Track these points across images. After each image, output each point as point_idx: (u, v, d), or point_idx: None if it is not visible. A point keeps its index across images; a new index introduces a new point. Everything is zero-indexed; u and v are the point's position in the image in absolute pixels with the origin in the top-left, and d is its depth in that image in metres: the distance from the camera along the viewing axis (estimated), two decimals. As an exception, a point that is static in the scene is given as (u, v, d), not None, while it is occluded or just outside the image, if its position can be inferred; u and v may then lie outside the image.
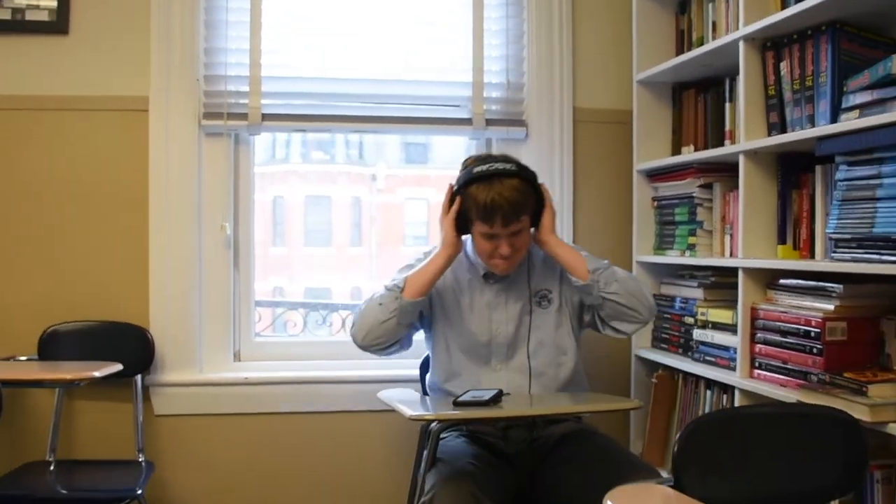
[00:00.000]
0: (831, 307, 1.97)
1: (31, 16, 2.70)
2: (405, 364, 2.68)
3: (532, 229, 2.26)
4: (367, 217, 4.89)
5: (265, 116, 2.78)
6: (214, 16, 2.78)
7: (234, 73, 2.79)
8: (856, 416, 1.68)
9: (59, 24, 2.71)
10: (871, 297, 1.94)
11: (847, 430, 1.46)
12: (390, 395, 2.21)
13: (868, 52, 2.03)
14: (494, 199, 2.12)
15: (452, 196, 2.23)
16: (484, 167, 2.15)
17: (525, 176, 2.18)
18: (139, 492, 2.32)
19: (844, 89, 1.98)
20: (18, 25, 2.70)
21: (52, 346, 2.60)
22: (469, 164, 2.23)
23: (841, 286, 1.96)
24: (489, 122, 2.92)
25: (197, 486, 2.76)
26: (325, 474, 2.83)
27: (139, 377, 2.65)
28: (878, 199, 1.82)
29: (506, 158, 2.21)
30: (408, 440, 2.50)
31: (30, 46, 2.71)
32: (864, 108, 1.88)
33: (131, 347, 2.63)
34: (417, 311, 2.25)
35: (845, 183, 1.94)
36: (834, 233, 1.96)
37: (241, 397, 2.78)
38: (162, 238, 2.73)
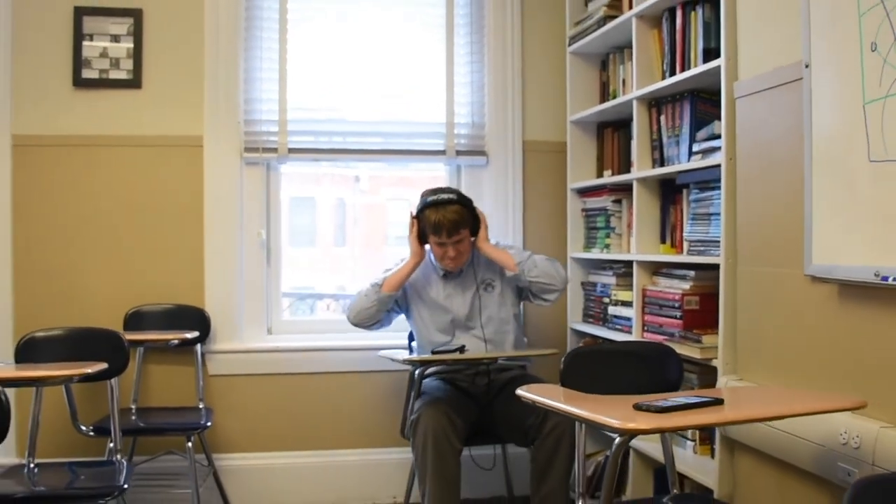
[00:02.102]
0: (688, 286, 2.90)
1: (113, 75, 3.60)
2: (397, 336, 3.61)
3: (472, 238, 3.21)
4: (351, 218, 4.90)
5: (290, 150, 3.71)
6: (252, 74, 3.70)
7: (267, 117, 3.71)
8: (690, 354, 2.64)
9: (134, 80, 3.61)
10: (711, 280, 2.87)
11: (671, 358, 2.41)
12: (388, 353, 3.17)
13: (716, 111, 2.96)
14: (440, 220, 3.09)
15: (416, 216, 3.19)
16: (433, 197, 3.12)
17: (462, 202, 3.15)
18: (208, 424, 3.24)
19: (696, 138, 2.92)
20: (104, 82, 3.59)
21: (134, 321, 3.50)
22: (425, 195, 3.19)
23: (694, 272, 2.90)
24: (458, 153, 3.86)
25: (239, 427, 3.67)
26: (337, 416, 3.74)
27: (199, 346, 3.55)
28: (712, 215, 2.77)
29: (450, 190, 3.20)
30: (398, 391, 3.45)
31: (112, 98, 3.60)
32: (703, 153, 2.83)
33: (194, 323, 3.52)
34: (392, 302, 3.23)
35: (695, 203, 2.88)
36: (689, 236, 2.91)
37: (272, 361, 3.70)
38: (214, 242, 3.65)
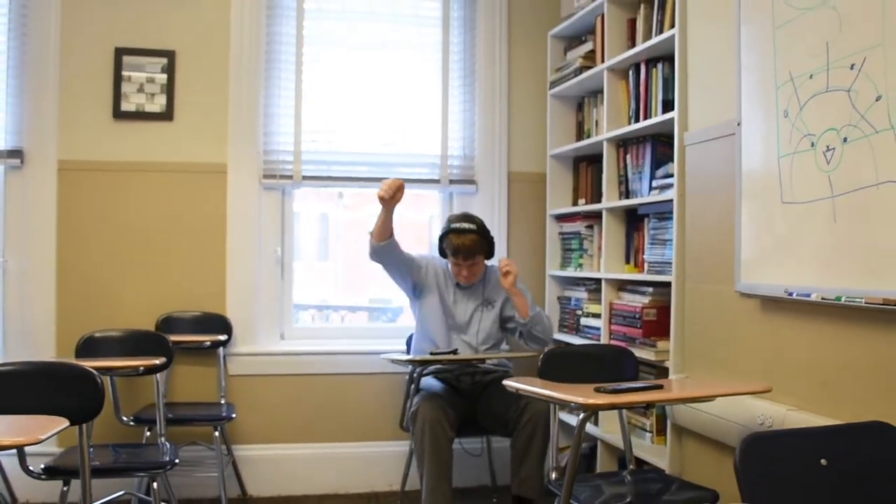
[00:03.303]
0: (647, 301, 3.42)
1: (148, 108, 4.08)
2: (397, 342, 4.11)
3: (487, 262, 3.72)
4: (334, 233, 5.18)
5: (304, 177, 4.21)
6: (270, 110, 4.20)
7: (283, 148, 4.21)
8: (647, 357, 3.16)
9: (167, 114, 4.09)
10: (666, 295, 3.38)
11: (627, 357, 2.94)
12: (391, 355, 3.67)
13: (672, 153, 3.48)
14: (460, 245, 3.60)
15: (440, 239, 3.68)
16: (457, 224, 3.62)
17: (480, 233, 3.65)
18: (233, 416, 3.71)
19: (655, 175, 3.45)
20: (140, 115, 4.07)
21: (165, 326, 3.96)
22: (450, 219, 3.69)
23: (652, 288, 3.42)
24: (451, 181, 4.38)
25: (255, 421, 4.14)
26: (341, 412, 4.22)
27: (221, 349, 4.03)
28: (667, 241, 3.29)
29: (472, 219, 3.69)
30: (395, 391, 3.96)
31: (147, 129, 4.08)
32: (661, 188, 3.36)
33: (218, 328, 4.00)
34: (389, 248, 3.63)
35: (653, 230, 3.41)
36: (649, 258, 3.43)
37: (285, 363, 4.18)
38: (235, 257, 4.13)
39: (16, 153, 3.94)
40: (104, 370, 2.53)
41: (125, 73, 4.04)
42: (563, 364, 2.83)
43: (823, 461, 1.80)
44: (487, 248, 3.73)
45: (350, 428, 4.24)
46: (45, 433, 1.69)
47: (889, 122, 2.01)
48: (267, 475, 4.14)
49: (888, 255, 2.03)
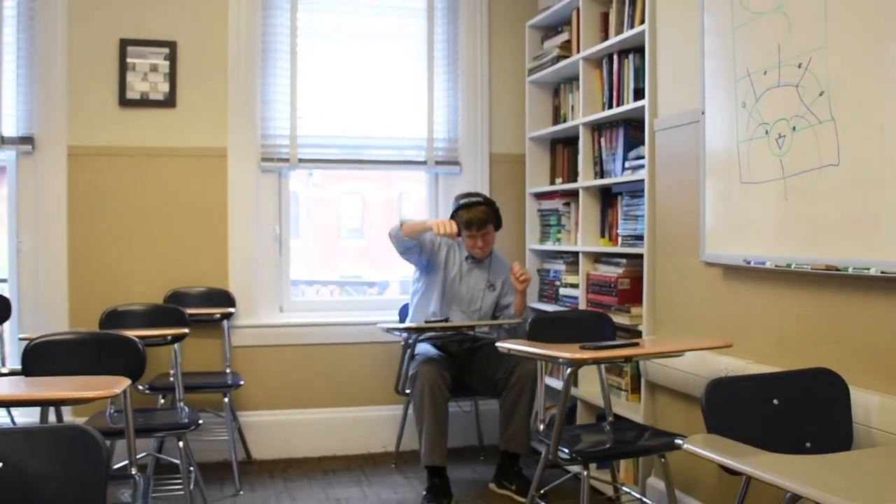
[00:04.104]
0: (621, 271, 3.76)
1: (152, 96, 4.32)
2: (390, 314, 4.42)
3: (496, 231, 4.05)
4: (305, 210, 5.22)
5: (300, 160, 4.48)
6: (267, 97, 4.46)
7: (280, 132, 4.48)
8: (622, 321, 3.51)
9: (169, 101, 4.34)
10: (638, 266, 3.73)
11: (606, 320, 3.28)
12: (387, 324, 3.99)
13: (643, 136, 3.81)
14: (472, 217, 3.92)
15: (452, 215, 3.97)
16: (466, 200, 3.95)
17: (488, 204, 3.97)
18: (241, 383, 4.01)
19: (627, 157, 3.78)
20: (144, 102, 4.31)
21: (172, 301, 4.22)
22: (458, 198, 4.01)
23: (625, 259, 3.76)
24: (437, 163, 4.69)
25: (257, 389, 4.43)
26: (337, 379, 4.53)
27: (226, 321, 4.30)
28: (639, 216, 3.63)
29: (478, 194, 4.02)
30: (387, 359, 4.29)
31: (151, 115, 4.33)
32: (633, 169, 3.69)
33: (223, 302, 4.28)
34: (406, 244, 3.92)
35: (626, 207, 3.75)
36: (622, 233, 3.77)
37: (284, 334, 4.48)
38: (236, 236, 4.40)
39: (27, 140, 4.16)
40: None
41: (129, 63, 4.27)
42: (550, 327, 3.17)
43: (775, 401, 2.15)
44: (496, 218, 4.04)
45: (346, 394, 4.56)
46: (117, 388, 1.97)
47: (830, 114, 2.35)
48: (269, 439, 4.44)
49: (829, 228, 2.38)
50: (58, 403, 2.20)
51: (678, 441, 1.89)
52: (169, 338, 3.06)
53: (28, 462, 1.65)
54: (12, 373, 2.56)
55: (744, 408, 2.12)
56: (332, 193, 6.40)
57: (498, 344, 2.89)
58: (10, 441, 1.66)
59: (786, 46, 2.54)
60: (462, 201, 3.98)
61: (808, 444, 2.11)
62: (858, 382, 2.23)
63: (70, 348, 2.63)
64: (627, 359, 2.79)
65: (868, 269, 2.22)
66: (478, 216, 3.93)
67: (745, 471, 1.63)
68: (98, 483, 1.67)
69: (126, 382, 2.07)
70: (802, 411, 2.15)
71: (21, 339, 2.77)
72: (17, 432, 1.71)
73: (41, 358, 2.54)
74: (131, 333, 2.75)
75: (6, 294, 4.08)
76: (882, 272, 2.18)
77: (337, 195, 6.57)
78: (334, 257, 5.87)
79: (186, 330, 3.09)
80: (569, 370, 2.62)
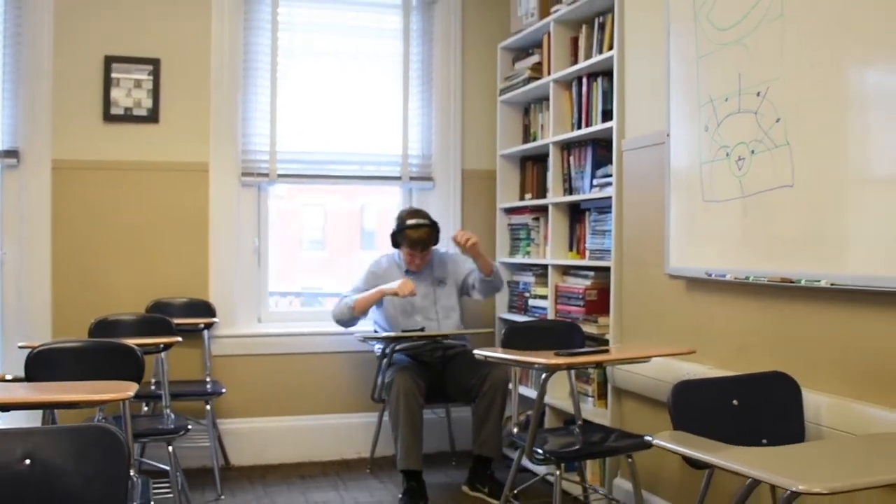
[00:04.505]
0: (589, 283, 3.97)
1: (136, 112, 4.44)
2: (365, 324, 4.57)
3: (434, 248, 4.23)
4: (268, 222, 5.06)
5: (279, 175, 4.63)
6: (248, 114, 4.60)
7: (260, 148, 4.62)
8: (590, 331, 3.70)
9: (153, 117, 4.46)
10: (605, 278, 3.92)
11: (576, 329, 3.48)
12: (363, 333, 4.15)
13: (610, 155, 4.01)
14: (417, 238, 4.11)
15: (394, 233, 4.15)
16: (413, 221, 4.12)
17: (432, 226, 4.15)
18: (223, 391, 4.13)
19: (595, 175, 3.99)
20: (128, 118, 4.43)
21: (154, 311, 4.33)
22: (404, 216, 4.17)
23: (592, 272, 3.96)
24: (411, 178, 4.86)
25: (237, 398, 4.54)
26: (314, 387, 4.67)
27: (206, 331, 4.42)
28: (606, 231, 3.84)
29: (423, 215, 4.19)
30: (362, 368, 4.44)
31: (135, 130, 4.44)
32: (601, 186, 3.90)
33: (204, 313, 4.40)
34: (360, 318, 4.20)
35: (594, 222, 3.95)
36: (590, 246, 3.98)
37: (262, 344, 4.60)
38: (217, 248, 4.53)
39: (12, 153, 4.26)
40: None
41: (114, 79, 4.39)
42: (523, 336, 3.35)
43: (735, 402, 2.35)
44: (437, 237, 4.23)
45: (321, 402, 4.69)
46: (130, 391, 2.11)
47: (786, 139, 2.57)
48: (247, 446, 4.56)
49: (784, 243, 2.59)
50: (76, 406, 2.31)
51: (647, 438, 2.07)
52: (161, 346, 3.18)
53: (54, 459, 1.77)
54: (16, 379, 2.66)
55: (707, 408, 2.31)
56: (294, 205, 6.40)
57: (476, 351, 3.06)
58: (37, 439, 1.79)
59: (746, 76, 2.76)
60: (410, 221, 4.17)
61: (764, 441, 2.31)
62: (810, 385, 2.44)
63: (73, 356, 2.74)
64: (598, 364, 2.97)
65: (819, 281, 2.43)
66: (423, 238, 4.16)
67: (711, 461, 1.81)
68: (120, 479, 1.80)
69: (134, 387, 2.20)
70: (759, 411, 2.36)
71: (22, 347, 2.87)
72: (44, 431, 1.83)
73: (44, 365, 2.65)
74: (130, 342, 2.87)
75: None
76: (831, 284, 2.39)
77: (299, 207, 6.59)
78: (296, 268, 6.04)
79: (179, 338, 3.22)
80: (544, 375, 2.80)
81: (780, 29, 2.61)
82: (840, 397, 2.38)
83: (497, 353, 2.98)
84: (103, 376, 2.58)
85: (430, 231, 4.17)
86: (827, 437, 2.33)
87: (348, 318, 4.22)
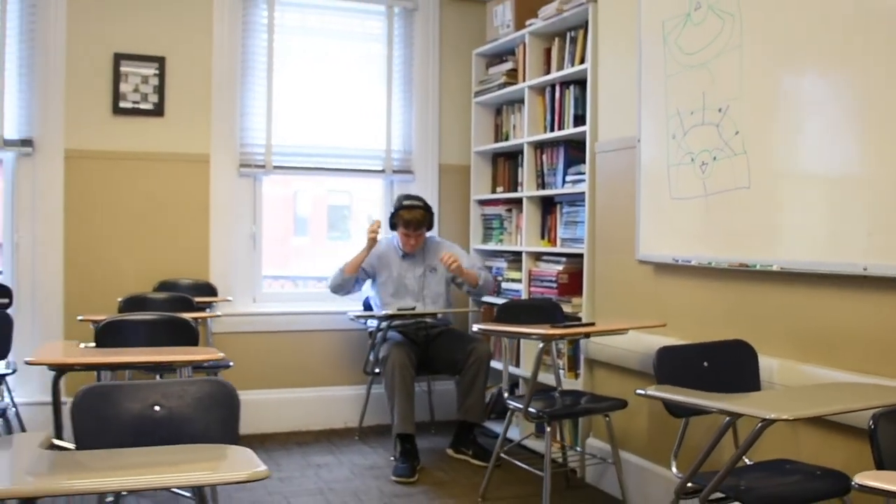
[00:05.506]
0: (561, 268, 4.48)
1: (143, 106, 4.78)
2: (347, 305, 5.01)
3: (427, 232, 4.69)
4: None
5: (274, 167, 5.03)
6: (246, 109, 4.99)
7: (257, 141, 5.01)
8: (565, 309, 4.23)
9: (158, 111, 4.80)
10: (577, 264, 4.45)
11: (558, 308, 4.00)
12: (356, 312, 4.60)
13: (581, 155, 4.53)
14: (411, 218, 4.55)
15: (392, 215, 4.61)
16: (408, 202, 4.56)
17: (425, 208, 4.61)
18: (231, 364, 4.52)
19: (568, 172, 4.51)
20: (136, 111, 4.76)
21: (163, 289, 4.68)
22: (401, 198, 4.63)
23: (565, 258, 4.48)
24: (394, 171, 5.31)
25: (235, 373, 4.92)
26: (304, 362, 5.09)
27: (208, 309, 4.79)
28: (577, 222, 4.36)
29: (418, 198, 4.64)
30: (351, 344, 4.88)
31: (142, 123, 4.78)
32: (573, 183, 4.41)
33: (208, 293, 4.77)
34: (356, 279, 4.63)
35: (566, 214, 4.47)
36: (562, 235, 4.50)
37: (258, 322, 5.00)
38: (217, 234, 4.91)
39: (27, 142, 4.56)
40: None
41: (123, 74, 4.72)
42: (514, 312, 3.86)
43: (705, 363, 2.89)
44: (430, 221, 4.70)
45: (311, 376, 5.12)
46: (219, 353, 2.53)
47: (743, 148, 3.12)
48: (243, 417, 4.92)
49: (741, 234, 3.14)
50: (172, 366, 2.71)
51: (639, 392, 2.58)
52: (198, 320, 3.57)
53: (179, 407, 2.19)
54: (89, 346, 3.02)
55: (680, 367, 2.84)
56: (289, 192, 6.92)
57: (475, 326, 3.55)
58: (165, 390, 2.20)
59: (709, 94, 3.30)
60: (405, 202, 4.63)
61: (728, 395, 2.85)
62: (764, 350, 3.00)
63: (142, 327, 3.13)
64: (587, 335, 3.48)
65: (771, 265, 2.99)
66: (416, 218, 4.60)
67: (698, 403, 2.34)
68: (232, 424, 2.24)
69: (214, 351, 2.62)
70: (725, 371, 2.90)
71: (82, 320, 3.24)
72: (172, 384, 2.23)
73: (114, 334, 3.04)
74: (186, 315, 3.26)
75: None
76: (781, 268, 2.95)
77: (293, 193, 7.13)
78: (288, 253, 6.48)
79: (218, 313, 3.61)
80: (541, 344, 3.31)
81: (739, 57, 3.15)
82: (789, 360, 2.95)
83: (496, 327, 3.47)
84: (165, 344, 2.97)
85: (423, 213, 4.61)
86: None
87: (340, 282, 4.64)
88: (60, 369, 2.61)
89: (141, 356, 2.69)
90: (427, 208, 4.65)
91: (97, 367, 2.75)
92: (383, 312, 4.49)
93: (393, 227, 4.68)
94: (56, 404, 2.72)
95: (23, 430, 4.13)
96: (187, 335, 3.13)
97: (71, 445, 2.09)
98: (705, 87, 3.32)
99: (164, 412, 2.18)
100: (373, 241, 4.60)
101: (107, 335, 3.02)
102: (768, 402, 2.37)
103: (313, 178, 5.74)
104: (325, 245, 6.82)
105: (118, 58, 4.71)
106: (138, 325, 3.13)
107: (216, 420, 2.22)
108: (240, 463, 1.76)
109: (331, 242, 6.52)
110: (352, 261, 4.65)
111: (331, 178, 5.45)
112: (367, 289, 4.77)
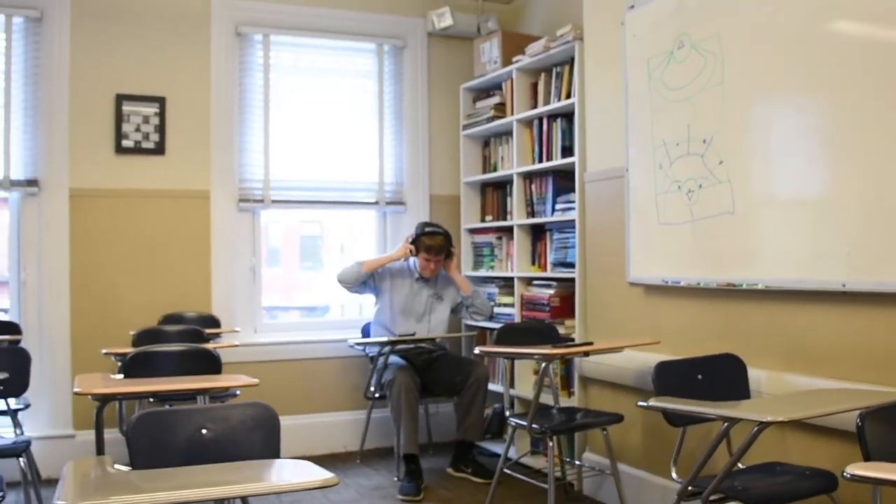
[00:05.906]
0: (552, 291, 4.69)
1: (144, 145, 4.94)
2: (344, 333, 5.19)
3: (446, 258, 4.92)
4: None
5: (273, 201, 5.21)
6: (245, 146, 5.17)
7: (255, 177, 5.19)
8: (560, 331, 4.44)
9: (160, 149, 4.97)
10: (568, 287, 4.66)
11: (554, 329, 4.21)
12: (356, 340, 4.79)
13: (570, 184, 4.75)
14: (432, 244, 4.78)
15: (413, 240, 4.81)
16: (430, 229, 4.80)
17: (446, 236, 4.83)
18: (237, 393, 4.66)
19: (557, 200, 4.73)
20: (138, 150, 4.92)
21: (168, 322, 4.82)
22: (424, 225, 4.87)
23: (555, 282, 4.70)
24: (386, 203, 5.51)
25: (240, 401, 5.08)
26: (310, 389, 5.24)
27: (212, 340, 4.93)
28: (568, 247, 4.58)
29: (439, 227, 4.88)
30: (350, 372, 5.05)
31: (143, 161, 4.94)
32: (563, 210, 4.64)
33: (210, 324, 4.91)
34: (366, 278, 4.84)
35: (557, 240, 4.70)
36: (553, 260, 4.72)
37: (259, 352, 5.15)
38: (218, 267, 5.07)
39: (33, 182, 4.71)
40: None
41: (125, 115, 4.89)
42: (513, 334, 4.06)
43: (699, 376, 3.11)
44: (449, 248, 4.92)
45: (312, 402, 5.27)
46: (250, 380, 2.70)
47: (727, 177, 3.36)
48: (246, 443, 5.08)
49: (727, 256, 3.38)
50: (207, 392, 2.87)
51: (641, 404, 2.78)
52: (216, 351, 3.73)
53: (224, 429, 2.36)
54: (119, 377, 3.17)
55: (679, 380, 3.06)
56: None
57: (478, 348, 3.75)
58: (212, 414, 2.37)
59: (693, 127, 3.55)
60: (427, 229, 4.87)
61: (722, 405, 3.07)
62: (752, 363, 3.22)
63: (170, 357, 3.29)
64: (586, 353, 3.69)
65: (756, 284, 3.23)
66: (437, 244, 4.83)
67: (699, 411, 2.55)
68: (274, 444, 2.40)
69: (241, 377, 2.79)
70: (717, 382, 3.12)
71: (106, 354, 3.40)
72: (217, 409, 2.39)
73: (142, 365, 3.19)
74: (208, 346, 3.42)
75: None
76: (766, 287, 3.19)
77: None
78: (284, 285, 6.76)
79: (236, 342, 3.77)
80: (544, 364, 3.51)
81: (721, 92, 3.41)
82: (775, 371, 3.18)
83: (497, 349, 3.66)
84: (192, 372, 3.14)
85: (443, 240, 4.87)
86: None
87: (354, 275, 4.85)
88: (104, 399, 2.76)
89: (181, 384, 2.85)
90: (447, 236, 4.88)
91: (143, 396, 2.89)
92: (384, 339, 4.67)
93: (416, 253, 4.90)
94: (99, 433, 2.86)
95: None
96: (212, 364, 3.29)
97: (126, 468, 2.24)
98: (690, 119, 3.57)
99: (210, 434, 2.35)
100: (405, 252, 4.86)
101: (135, 366, 3.18)
102: (762, 408, 2.59)
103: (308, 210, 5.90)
104: (296, 275, 6.99)
105: (120, 98, 4.88)
106: (167, 356, 3.29)
107: (259, 440, 2.38)
108: (307, 472, 1.93)
109: (302, 273, 6.69)
110: (374, 260, 4.92)
111: (327, 210, 5.62)
112: (375, 311, 4.95)
